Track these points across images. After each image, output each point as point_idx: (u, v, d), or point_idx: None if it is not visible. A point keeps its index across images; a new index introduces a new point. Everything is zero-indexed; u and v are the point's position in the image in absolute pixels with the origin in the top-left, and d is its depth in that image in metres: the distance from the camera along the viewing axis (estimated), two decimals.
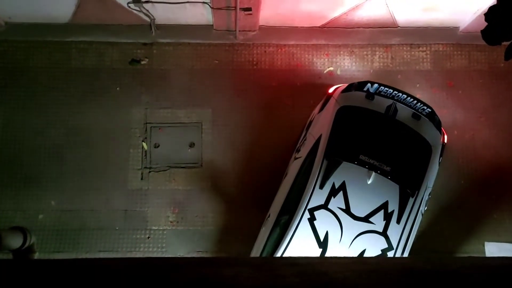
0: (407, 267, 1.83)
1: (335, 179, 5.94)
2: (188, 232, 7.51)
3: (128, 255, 7.34)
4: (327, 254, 5.73)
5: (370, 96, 6.47)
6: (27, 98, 7.74)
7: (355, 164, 6.00)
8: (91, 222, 7.45)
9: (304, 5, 7.46)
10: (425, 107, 6.54)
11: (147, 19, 7.67)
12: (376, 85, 6.62)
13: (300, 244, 5.81)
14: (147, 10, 7.42)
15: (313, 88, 7.78)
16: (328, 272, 1.75)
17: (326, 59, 8.03)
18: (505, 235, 7.52)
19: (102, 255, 7.33)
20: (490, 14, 4.54)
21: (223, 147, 7.73)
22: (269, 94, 7.88)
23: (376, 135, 6.29)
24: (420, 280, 1.71)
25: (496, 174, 7.75)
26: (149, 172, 7.63)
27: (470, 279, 1.73)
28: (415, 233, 6.18)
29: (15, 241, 6.77)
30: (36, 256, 7.25)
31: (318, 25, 8.01)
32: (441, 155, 6.57)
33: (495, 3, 4.48)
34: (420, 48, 8.13)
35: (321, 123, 6.51)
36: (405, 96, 6.55)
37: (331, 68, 8.00)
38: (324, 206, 5.86)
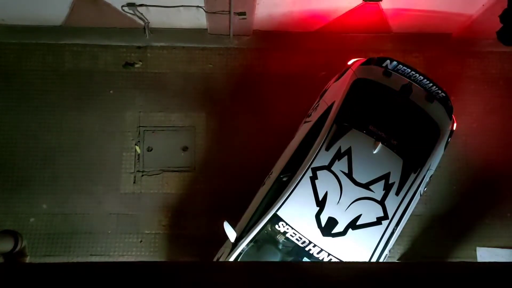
0: (400, 272, 1.84)
1: (342, 144, 6.06)
2: (181, 236, 7.48)
3: (120, 259, 7.31)
4: (324, 214, 5.83)
5: (387, 72, 6.57)
6: (20, 101, 7.70)
7: (363, 132, 6.13)
8: (83, 225, 7.40)
9: (298, 10, 7.49)
10: (439, 91, 6.63)
11: (141, 22, 7.66)
12: (395, 63, 6.74)
13: (298, 200, 5.91)
14: (141, 14, 7.41)
15: (306, 93, 7.79)
16: (321, 277, 1.75)
17: (320, 64, 8.05)
18: (496, 240, 7.56)
19: (94, 259, 7.30)
20: (505, 16, 4.64)
21: (216, 152, 7.72)
22: (262, 98, 7.89)
23: (388, 111, 6.41)
24: (413, 285, 1.72)
25: (487, 180, 7.80)
26: (142, 175, 7.60)
27: (462, 284, 1.75)
28: (411, 210, 6.27)
29: (6, 245, 6.70)
30: (28, 260, 7.19)
31: (312, 30, 8.04)
32: (448, 141, 6.66)
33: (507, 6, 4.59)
34: (413, 54, 8.17)
35: (336, 92, 6.63)
36: (422, 77, 6.65)
37: (325, 73, 8.01)
38: (328, 167, 5.98)
